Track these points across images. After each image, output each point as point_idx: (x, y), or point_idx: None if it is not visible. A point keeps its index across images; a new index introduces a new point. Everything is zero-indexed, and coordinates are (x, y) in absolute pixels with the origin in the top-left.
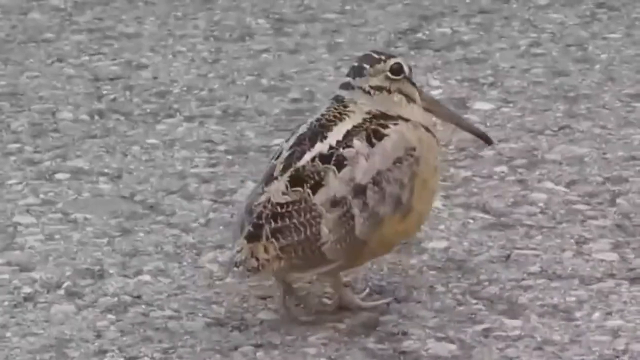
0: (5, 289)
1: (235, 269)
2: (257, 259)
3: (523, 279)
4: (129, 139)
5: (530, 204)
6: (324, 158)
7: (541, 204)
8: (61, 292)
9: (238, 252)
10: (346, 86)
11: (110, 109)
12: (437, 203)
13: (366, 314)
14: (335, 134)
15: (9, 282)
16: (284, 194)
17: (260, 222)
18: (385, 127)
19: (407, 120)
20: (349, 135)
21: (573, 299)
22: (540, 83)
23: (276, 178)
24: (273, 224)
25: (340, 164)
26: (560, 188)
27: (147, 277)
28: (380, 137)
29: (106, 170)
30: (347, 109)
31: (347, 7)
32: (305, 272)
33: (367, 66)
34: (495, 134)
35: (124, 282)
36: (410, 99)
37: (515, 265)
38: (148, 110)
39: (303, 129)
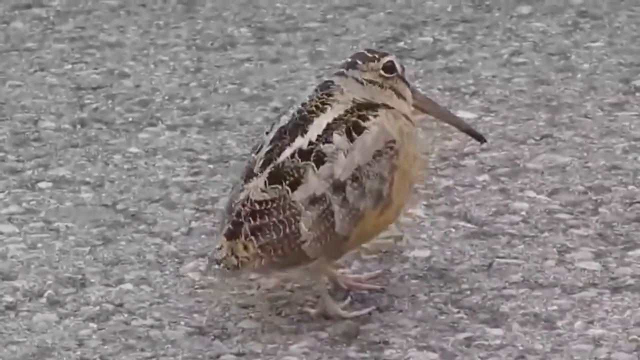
0: None
1: (216, 266)
2: (237, 257)
3: (505, 288)
4: (111, 148)
5: (513, 213)
6: (304, 154)
7: (523, 213)
8: (43, 300)
9: (218, 249)
10: (339, 74)
11: (92, 118)
12: (419, 212)
13: (347, 323)
14: (316, 127)
15: None
16: (262, 191)
17: (240, 220)
18: (366, 119)
19: (390, 108)
20: (329, 128)
21: (555, 307)
22: (523, 92)
23: (256, 174)
24: (252, 222)
25: (319, 160)
26: (543, 197)
27: (129, 286)
28: (360, 131)
29: (88, 179)
30: (331, 98)
31: (329, 16)
32: (285, 269)
33: (360, 62)
34: (477, 143)
35: (105, 291)
36: (400, 96)
37: (497, 274)
38: (130, 119)
39: (284, 120)
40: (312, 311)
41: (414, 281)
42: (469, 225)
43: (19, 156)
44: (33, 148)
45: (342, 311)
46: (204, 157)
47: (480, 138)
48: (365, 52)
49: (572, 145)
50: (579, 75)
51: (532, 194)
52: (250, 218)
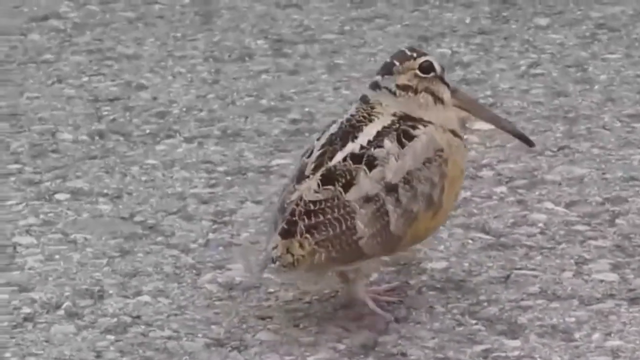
0: (4, 309)
1: (272, 265)
2: (293, 255)
3: (522, 300)
4: (129, 160)
5: (530, 224)
6: (355, 158)
7: (541, 225)
8: (61, 312)
9: (273, 248)
10: (374, 86)
11: (110, 130)
12: None
13: (365, 335)
14: (366, 134)
15: (9, 302)
16: (316, 192)
17: (294, 219)
18: (415, 128)
19: (430, 123)
20: (379, 135)
21: (572, 319)
22: (540, 103)
23: (308, 176)
24: (307, 221)
25: (371, 164)
26: (560, 208)
27: (146, 298)
28: (410, 138)
29: (106, 191)
30: (375, 110)
31: (347, 28)
32: (343, 266)
33: (397, 63)
34: (494, 155)
35: (123, 303)
36: (438, 99)
37: (515, 285)
38: (147, 131)
39: (334, 128)
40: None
41: (431, 293)
42: (486, 236)
43: (36, 168)
44: (51, 160)
45: (371, 302)
46: (222, 168)
47: (528, 141)
48: (405, 50)
49: (590, 156)
50: (596, 87)
51: (549, 205)
52: (305, 217)
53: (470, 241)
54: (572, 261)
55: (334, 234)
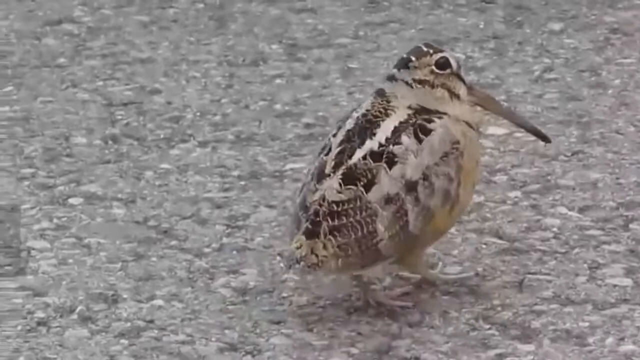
0: (18, 313)
1: (297, 265)
2: (317, 256)
3: (536, 304)
4: (143, 164)
5: (544, 229)
6: (375, 155)
7: (554, 229)
8: (74, 316)
9: (298, 248)
10: (390, 78)
11: (124, 134)
12: (453, 229)
13: (379, 339)
14: (383, 130)
15: (23, 306)
16: (338, 192)
17: (318, 219)
18: (431, 121)
19: (445, 114)
20: (396, 131)
21: (586, 324)
22: (554, 108)
23: (328, 175)
24: (330, 222)
25: (391, 161)
26: (574, 213)
27: (160, 302)
28: (427, 132)
29: (119, 195)
30: (391, 104)
31: (361, 33)
32: (360, 269)
33: (413, 58)
34: (508, 159)
35: (137, 307)
36: (453, 94)
37: (529, 290)
38: (161, 136)
39: (350, 124)
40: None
41: (445, 297)
42: (500, 241)
43: (50, 172)
44: (64, 164)
45: (387, 300)
46: (236, 173)
47: (544, 138)
48: (422, 46)
49: (604, 161)
50: (610, 92)
51: (563, 210)
52: (329, 218)
53: (484, 246)
54: (585, 266)
55: (355, 238)
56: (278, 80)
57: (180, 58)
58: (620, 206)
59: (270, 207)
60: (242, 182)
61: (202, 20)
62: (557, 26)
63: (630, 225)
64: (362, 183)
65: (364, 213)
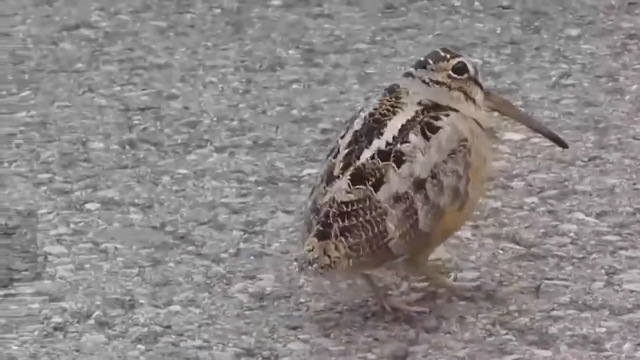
0: (35, 319)
1: (309, 267)
2: (330, 257)
3: (553, 310)
4: (160, 170)
5: (561, 235)
6: (383, 155)
7: (572, 235)
8: (91, 322)
9: (310, 251)
10: (407, 75)
11: (141, 140)
12: (467, 233)
13: (396, 344)
14: (391, 130)
15: (40, 312)
16: (347, 192)
17: (329, 221)
18: (438, 119)
19: (456, 111)
20: (404, 130)
21: (603, 330)
22: (571, 114)
23: (338, 177)
24: (341, 223)
25: (399, 160)
26: (591, 219)
27: (177, 308)
28: (434, 130)
29: (137, 201)
30: (400, 101)
31: (378, 38)
32: (372, 268)
33: (431, 62)
34: (525, 165)
35: (154, 313)
36: (470, 98)
37: (546, 296)
38: (179, 141)
39: (358, 124)
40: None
41: (462, 303)
42: (517, 247)
43: (67, 177)
44: (81, 169)
45: (454, 283)
46: (253, 178)
47: (562, 144)
48: (440, 51)
49: (621, 167)
50: (627, 97)
51: (580, 216)
52: (339, 219)
53: (501, 251)
54: (603, 272)
55: (366, 238)
56: (295, 86)
57: (198, 63)
58: (637, 212)
59: (288, 212)
60: (260, 188)
61: (220, 25)
62: (574, 32)
63: None
64: (371, 183)
65: (374, 213)
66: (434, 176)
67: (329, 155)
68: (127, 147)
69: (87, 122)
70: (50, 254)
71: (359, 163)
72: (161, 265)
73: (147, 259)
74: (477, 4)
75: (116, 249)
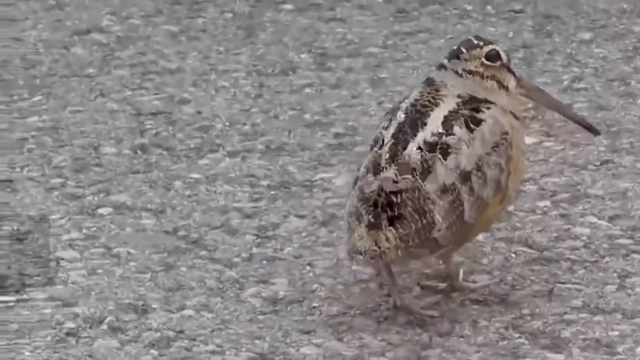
0: (48, 324)
1: (360, 256)
2: (380, 247)
3: (566, 313)
4: (172, 174)
5: (573, 238)
6: (429, 146)
7: (584, 239)
8: (104, 327)
9: (360, 240)
10: (440, 67)
11: (153, 144)
12: (480, 237)
13: (408, 348)
14: (434, 121)
15: (52, 317)
16: (395, 182)
17: (378, 210)
18: (479, 111)
19: (492, 103)
20: (447, 121)
21: (616, 333)
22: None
23: (384, 167)
24: (390, 213)
25: (445, 151)
26: (603, 222)
27: (190, 312)
28: (477, 122)
29: (149, 205)
30: (440, 93)
31: (390, 42)
32: (417, 258)
33: (464, 50)
34: (538, 169)
35: (167, 317)
36: (502, 86)
37: (558, 299)
38: (191, 145)
39: (400, 116)
40: (442, 285)
41: (474, 306)
42: (529, 250)
43: (79, 182)
44: (93, 174)
45: (471, 284)
46: (265, 183)
47: (593, 130)
48: (472, 38)
49: (633, 170)
50: (639, 101)
51: (592, 219)
52: (389, 208)
53: (513, 255)
54: (615, 275)
55: (415, 228)
56: (307, 90)
57: (210, 68)
58: None
59: (300, 217)
60: (272, 192)
61: (231, 29)
62: (586, 36)
63: None
64: (418, 173)
65: (422, 203)
66: (478, 168)
67: (372, 146)
68: (139, 152)
69: (98, 127)
70: (63, 259)
71: (405, 153)
72: (173, 269)
73: (159, 264)
74: (489, 7)
75: (128, 253)
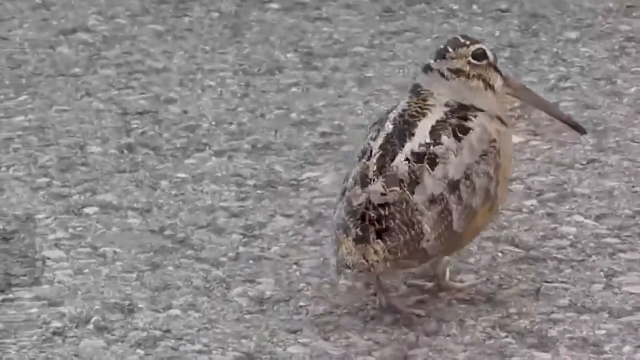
0: (34, 323)
1: (348, 270)
2: (368, 261)
3: (553, 312)
4: (158, 173)
5: (560, 237)
6: (417, 157)
7: (571, 238)
8: (90, 326)
9: (348, 254)
10: (426, 68)
11: (139, 143)
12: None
13: (395, 347)
14: (421, 131)
15: (38, 316)
16: (382, 195)
17: (366, 224)
18: (467, 119)
19: (481, 110)
20: (434, 131)
21: (603, 332)
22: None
23: (372, 179)
24: (378, 226)
25: (432, 162)
26: (590, 221)
27: (176, 312)
28: (465, 131)
29: (135, 205)
30: (427, 103)
31: (376, 41)
32: (406, 269)
33: (450, 49)
34: (524, 168)
35: (153, 317)
36: (488, 85)
37: (545, 298)
38: (177, 145)
39: (388, 127)
40: (430, 284)
41: (461, 306)
42: (516, 249)
43: (65, 181)
44: (80, 173)
45: (458, 283)
46: (252, 182)
47: (580, 129)
48: (459, 37)
49: (619, 169)
50: (625, 100)
51: (579, 218)
52: (376, 222)
53: (500, 254)
54: (602, 274)
55: (404, 240)
56: (294, 89)
57: (196, 67)
58: (636, 214)
59: (287, 216)
60: (259, 191)
61: (217, 29)
62: (572, 35)
63: None
64: (406, 185)
65: (410, 214)
66: (466, 177)
67: (360, 158)
68: (125, 151)
69: (84, 126)
70: (49, 258)
71: (392, 165)
72: (160, 269)
73: (145, 263)
74: (475, 7)
75: (115, 253)
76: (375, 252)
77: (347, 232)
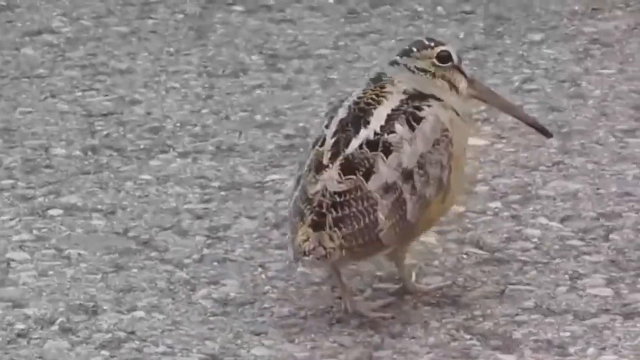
0: None
1: (305, 257)
2: (324, 248)
3: (517, 314)
4: (123, 175)
5: (524, 239)
6: (371, 145)
7: (535, 240)
8: (55, 328)
9: (305, 241)
10: (392, 63)
11: (104, 145)
12: (431, 238)
13: (360, 350)
14: (377, 119)
15: (2, 318)
16: (338, 182)
17: (322, 211)
18: (420, 109)
19: (438, 99)
20: (389, 119)
21: (567, 334)
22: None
23: (327, 166)
24: (334, 214)
25: (387, 150)
26: (554, 224)
27: (141, 313)
28: (417, 120)
29: (99, 207)
30: (384, 90)
31: (341, 43)
32: (362, 259)
33: (415, 50)
34: (489, 170)
35: (117, 318)
36: (453, 86)
37: (510, 300)
38: (141, 146)
39: (342, 113)
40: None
41: (426, 308)
42: (481, 252)
43: (29, 183)
44: (44, 175)
45: (424, 286)
46: (216, 184)
47: (546, 132)
48: (424, 39)
49: (584, 171)
50: (590, 102)
51: (544, 220)
52: (332, 209)
53: (464, 256)
54: (566, 276)
55: (358, 228)
56: (258, 91)
57: (160, 69)
58: (600, 216)
59: (251, 218)
60: (223, 193)
61: (182, 30)
62: (537, 37)
63: (611, 236)
64: (361, 173)
65: (365, 203)
66: (420, 166)
67: (314, 144)
68: (90, 153)
69: (49, 128)
70: (13, 260)
71: (347, 152)
72: (124, 270)
73: (110, 265)
74: (439, 9)
75: (79, 254)
76: (331, 239)
77: (303, 219)
